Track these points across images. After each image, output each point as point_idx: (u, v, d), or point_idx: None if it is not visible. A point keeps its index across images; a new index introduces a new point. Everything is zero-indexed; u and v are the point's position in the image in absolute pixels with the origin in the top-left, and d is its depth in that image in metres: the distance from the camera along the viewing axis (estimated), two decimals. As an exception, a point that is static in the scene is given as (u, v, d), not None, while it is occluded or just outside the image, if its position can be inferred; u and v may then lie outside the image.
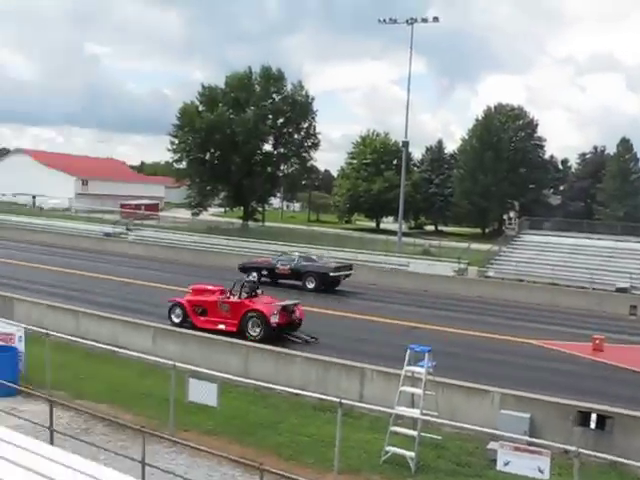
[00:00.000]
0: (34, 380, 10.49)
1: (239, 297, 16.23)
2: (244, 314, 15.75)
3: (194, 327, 15.56)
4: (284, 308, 16.00)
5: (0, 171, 79.91)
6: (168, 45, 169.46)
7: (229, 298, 16.26)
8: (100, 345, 11.54)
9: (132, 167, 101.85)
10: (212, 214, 59.33)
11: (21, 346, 11.53)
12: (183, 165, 54.28)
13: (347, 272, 26.21)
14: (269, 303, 16.19)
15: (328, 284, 24.88)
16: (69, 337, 11.80)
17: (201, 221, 52.62)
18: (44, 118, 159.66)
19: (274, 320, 15.56)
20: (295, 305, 16.53)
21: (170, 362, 9.08)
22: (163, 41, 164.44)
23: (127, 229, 41.82)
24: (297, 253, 26.65)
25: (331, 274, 24.93)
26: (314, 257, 26.90)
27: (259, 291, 16.97)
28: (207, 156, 53.09)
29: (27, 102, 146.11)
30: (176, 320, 16.31)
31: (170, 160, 55.57)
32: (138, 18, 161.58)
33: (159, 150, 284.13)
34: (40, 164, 73.03)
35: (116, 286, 22.42)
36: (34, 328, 11.66)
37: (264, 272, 25.24)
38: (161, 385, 9.78)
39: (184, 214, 56.77)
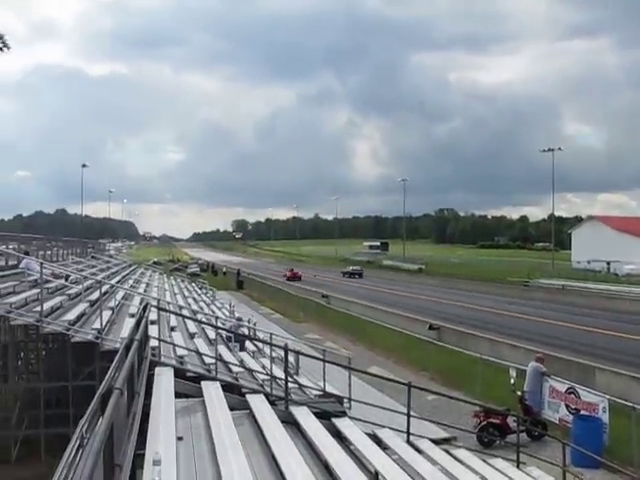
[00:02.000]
0: (619, 455, 10.57)
1: None
2: None
3: None
4: None
5: (575, 239, 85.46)
6: None
7: None
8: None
9: None
10: None
11: (605, 417, 11.93)
12: None
13: None
14: None
15: None
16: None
17: None
18: (614, 183, 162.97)
19: None
20: None
21: None
22: None
23: None
24: None
25: None
26: None
27: None
28: None
29: (596, 169, 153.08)
30: None
31: None
32: None
33: None
34: (612, 229, 74.44)
35: None
36: (618, 400, 11.77)
37: None
38: None
39: None
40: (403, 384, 9.67)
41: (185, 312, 18.66)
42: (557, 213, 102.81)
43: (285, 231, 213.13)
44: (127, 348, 5.81)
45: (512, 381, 13.75)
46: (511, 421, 12.55)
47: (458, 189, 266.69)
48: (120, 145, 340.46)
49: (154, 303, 11.72)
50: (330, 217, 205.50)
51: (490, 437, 12.56)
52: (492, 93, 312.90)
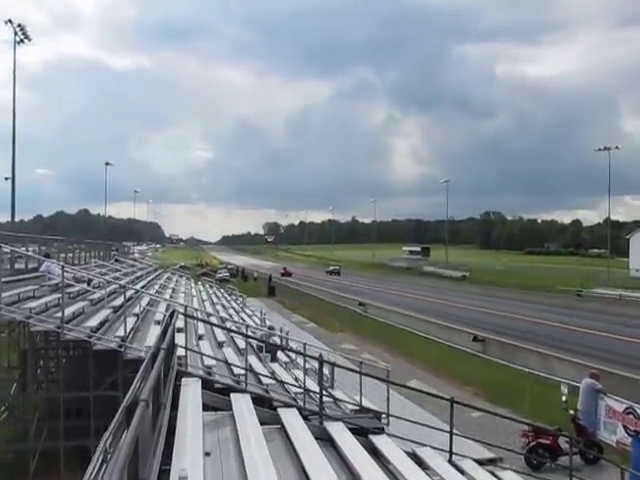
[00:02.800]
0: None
1: None
2: None
3: None
4: None
5: (633, 245, 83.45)
6: None
7: None
8: None
9: None
10: None
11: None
12: None
13: None
14: None
15: None
16: None
17: None
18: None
19: None
20: None
21: None
22: None
23: None
24: None
25: None
26: None
27: None
28: None
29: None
30: None
31: None
32: None
33: None
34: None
35: None
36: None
37: None
38: None
39: None
40: (445, 399, 9.56)
41: (213, 320, 18.85)
42: (613, 217, 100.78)
43: (320, 235, 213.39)
44: (153, 357, 5.86)
45: (564, 398, 13.49)
46: (563, 442, 12.30)
47: (505, 191, 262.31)
48: (145, 142, 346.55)
49: (181, 310, 11.80)
50: (368, 220, 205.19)
51: (539, 459, 12.32)
52: (542, 87, 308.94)
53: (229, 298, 35.55)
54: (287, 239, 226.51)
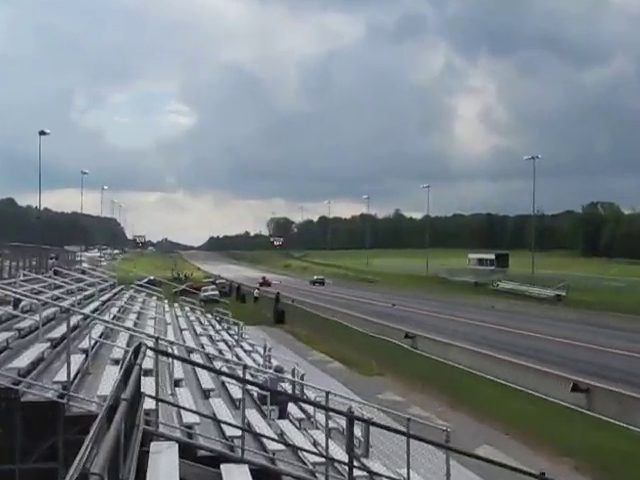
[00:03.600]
0: None
1: None
2: None
3: None
4: None
5: None
6: None
7: None
8: None
9: None
10: None
11: None
12: None
13: None
14: None
15: None
16: None
17: None
18: None
19: None
20: None
21: None
22: None
23: None
24: None
25: None
26: None
27: None
28: None
29: None
30: None
31: None
32: None
33: None
34: None
35: None
36: None
37: None
38: None
39: None
40: (532, 475, 9.48)
41: (196, 358, 18.84)
42: None
43: (349, 236, 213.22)
44: (109, 412, 5.87)
45: None
46: None
47: (621, 172, 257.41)
48: (97, 101, 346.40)
49: (150, 344, 11.78)
50: (418, 215, 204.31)
51: None
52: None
53: (219, 327, 35.56)
54: (302, 242, 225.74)
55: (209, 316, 39.42)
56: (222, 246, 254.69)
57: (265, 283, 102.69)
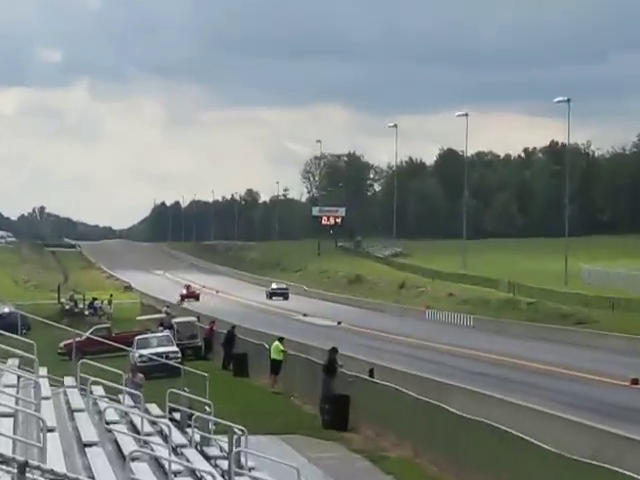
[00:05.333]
0: None
1: None
2: None
3: None
4: None
5: None
6: None
7: None
8: None
9: None
10: None
11: None
12: None
13: None
14: None
15: None
16: None
17: None
18: None
19: None
20: None
21: None
22: None
23: None
24: None
25: None
26: None
27: None
28: None
29: None
30: None
31: None
32: None
33: None
34: None
35: None
36: None
37: None
38: None
39: None
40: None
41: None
42: None
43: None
44: None
45: None
46: None
47: None
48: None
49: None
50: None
51: None
52: None
53: (183, 440, 16.22)
54: (353, 218, 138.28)
55: (155, 414, 18.67)
56: (187, 229, 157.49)
57: (190, 295, 77.76)
